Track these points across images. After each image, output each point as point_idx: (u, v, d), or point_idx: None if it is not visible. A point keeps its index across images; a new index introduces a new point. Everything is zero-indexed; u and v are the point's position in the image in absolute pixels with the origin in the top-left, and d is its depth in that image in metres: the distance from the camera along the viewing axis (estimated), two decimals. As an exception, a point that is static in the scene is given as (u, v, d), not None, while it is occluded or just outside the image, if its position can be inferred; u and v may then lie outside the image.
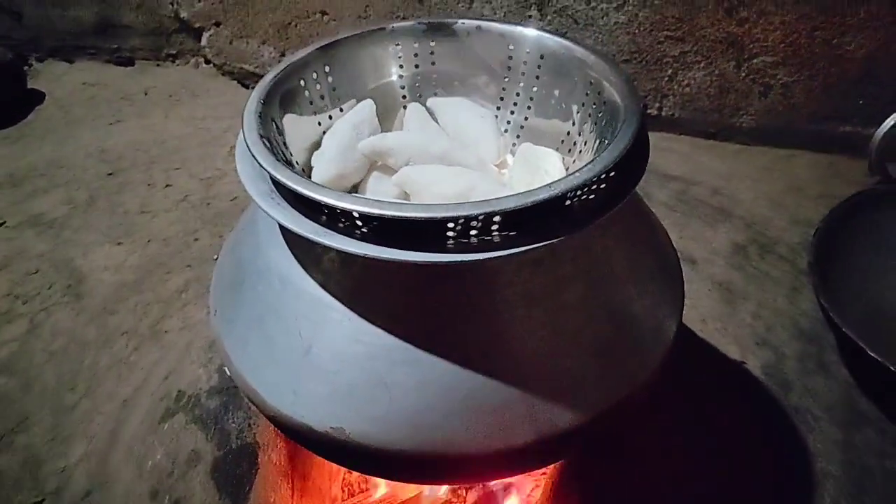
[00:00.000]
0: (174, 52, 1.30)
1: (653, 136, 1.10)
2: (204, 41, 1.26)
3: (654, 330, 0.49)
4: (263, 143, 0.43)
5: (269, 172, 0.41)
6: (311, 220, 0.40)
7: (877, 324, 0.73)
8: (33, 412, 0.71)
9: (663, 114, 1.09)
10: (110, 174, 1.08)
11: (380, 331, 0.42)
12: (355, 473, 0.64)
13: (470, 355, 0.41)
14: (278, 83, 0.50)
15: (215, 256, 0.89)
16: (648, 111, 1.09)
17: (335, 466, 0.62)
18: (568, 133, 0.55)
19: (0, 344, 0.78)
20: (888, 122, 0.78)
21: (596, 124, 0.50)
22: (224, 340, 0.49)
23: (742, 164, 1.05)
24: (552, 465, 0.58)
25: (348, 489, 0.68)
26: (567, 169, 0.53)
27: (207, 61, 1.28)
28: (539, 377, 0.42)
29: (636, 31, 1.03)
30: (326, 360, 0.43)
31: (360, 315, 0.42)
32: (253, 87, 0.49)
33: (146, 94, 1.26)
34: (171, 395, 0.68)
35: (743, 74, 1.03)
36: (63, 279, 0.88)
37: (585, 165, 0.39)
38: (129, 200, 1.02)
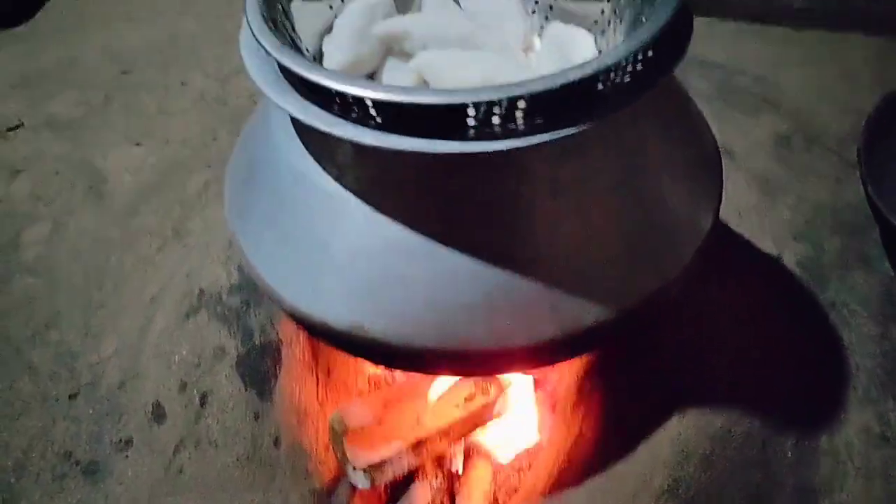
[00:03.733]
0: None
1: (695, 21, 1.04)
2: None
3: (688, 223, 0.46)
4: (268, 25, 0.40)
5: (274, 57, 0.38)
6: (322, 109, 0.38)
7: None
8: (63, 310, 0.72)
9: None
10: (125, 73, 1.05)
11: (397, 225, 0.40)
12: (380, 367, 0.65)
13: (491, 249, 0.39)
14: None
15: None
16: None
17: (359, 360, 0.61)
18: (602, 12, 0.50)
19: (26, 245, 0.79)
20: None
21: (633, 1, 0.46)
22: (240, 238, 0.47)
23: (790, 50, 0.98)
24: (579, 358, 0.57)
25: (374, 382, 0.68)
26: (601, 52, 0.49)
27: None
28: (564, 272, 0.40)
29: None
30: (343, 255, 0.41)
31: (377, 209, 0.40)
32: None
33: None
34: (193, 292, 0.68)
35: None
36: (84, 180, 0.87)
37: (619, 44, 0.35)
38: (145, 100, 0.99)
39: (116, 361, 0.66)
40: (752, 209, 0.75)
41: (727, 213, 0.74)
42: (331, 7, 0.51)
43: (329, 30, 0.50)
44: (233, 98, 0.99)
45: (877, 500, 0.54)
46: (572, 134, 0.35)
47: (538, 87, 0.34)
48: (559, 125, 0.35)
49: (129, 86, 1.02)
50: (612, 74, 0.36)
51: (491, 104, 0.34)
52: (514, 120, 0.35)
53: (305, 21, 0.48)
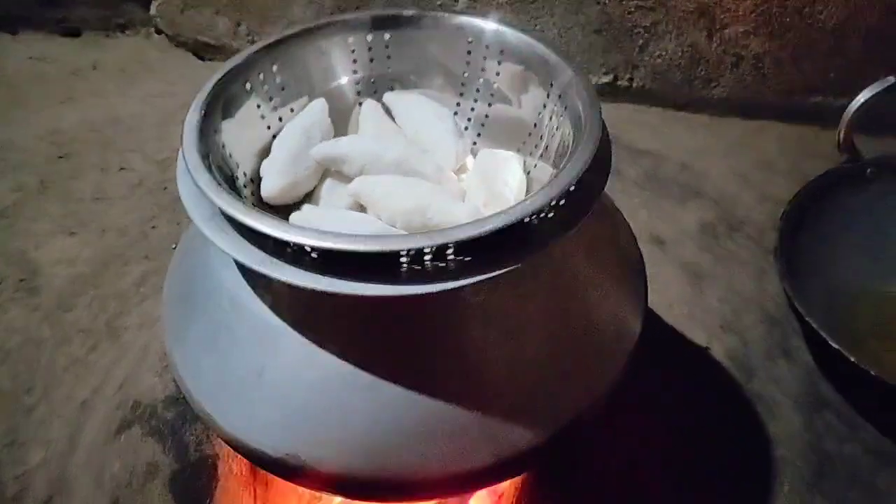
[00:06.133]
0: (123, 21, 1.24)
1: (623, 109, 1.10)
2: (153, 10, 1.20)
3: (617, 336, 0.48)
4: (205, 164, 0.41)
5: (212, 201, 0.39)
6: (257, 246, 0.39)
7: (842, 309, 0.73)
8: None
9: (634, 85, 1.06)
10: (62, 157, 1.03)
11: (332, 357, 0.41)
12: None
13: (424, 380, 0.40)
14: (220, 89, 0.47)
15: (174, 246, 0.86)
16: (619, 83, 1.06)
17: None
18: (529, 134, 0.53)
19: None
20: (857, 100, 0.77)
21: (560, 125, 0.48)
22: (176, 360, 0.47)
23: (712, 138, 1.03)
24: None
25: (312, 499, 0.67)
26: (529, 173, 0.51)
27: (159, 31, 1.22)
28: (497, 399, 0.41)
29: (606, 1, 1.00)
30: (279, 384, 0.42)
31: (312, 341, 0.41)
32: (209, 60, 0.46)
33: (95, 67, 1.20)
34: (127, 404, 0.67)
35: (714, 45, 1.01)
36: (16, 273, 0.84)
37: (541, 189, 0.37)
38: (82, 186, 0.98)
39: (44, 473, 0.64)
40: (682, 300, 0.78)
41: (659, 304, 0.77)
42: (269, 127, 0.52)
43: (268, 151, 0.51)
44: (173, 183, 0.98)
45: None
46: (499, 274, 0.37)
47: (463, 234, 0.36)
48: (487, 263, 0.37)
49: (66, 170, 1.00)
50: (535, 218, 0.38)
51: (419, 250, 0.35)
52: (444, 260, 0.37)
53: (243, 141, 0.49)
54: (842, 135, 0.78)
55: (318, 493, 0.65)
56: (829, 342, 0.62)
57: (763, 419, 0.66)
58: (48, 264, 0.85)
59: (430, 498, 0.46)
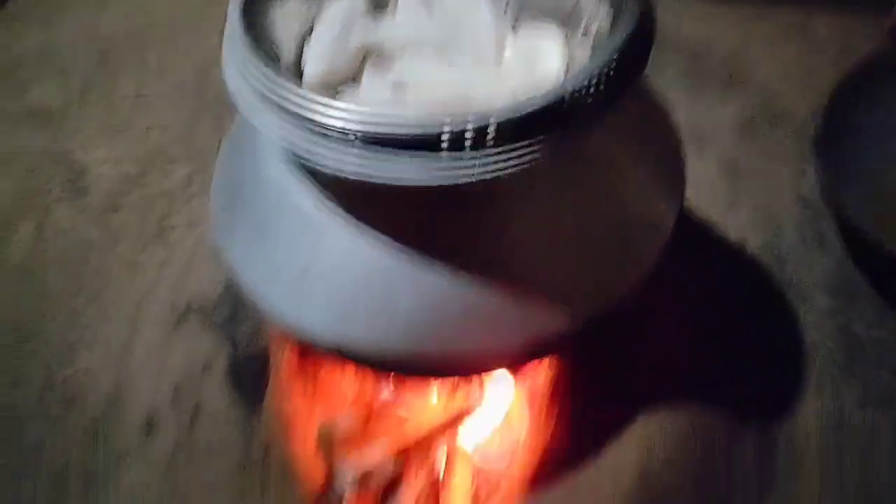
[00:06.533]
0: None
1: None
2: None
3: (652, 226, 0.49)
4: (252, 46, 0.42)
5: (260, 82, 0.39)
6: (301, 130, 0.39)
7: (877, 201, 0.73)
8: (49, 316, 0.73)
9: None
10: (103, 59, 1.04)
11: (375, 247, 0.42)
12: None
13: (463, 269, 0.42)
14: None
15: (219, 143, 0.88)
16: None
17: (346, 368, 0.64)
18: (571, 12, 0.51)
19: (12, 246, 0.80)
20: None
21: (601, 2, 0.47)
22: (226, 254, 0.50)
23: (758, 27, 0.99)
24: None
25: (360, 390, 0.70)
26: (571, 54, 0.50)
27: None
28: (531, 285, 0.43)
29: None
30: (326, 274, 0.44)
31: (356, 231, 0.43)
32: None
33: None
34: (180, 301, 0.71)
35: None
36: (64, 175, 0.87)
37: (578, 70, 0.38)
38: (124, 87, 0.99)
39: (106, 372, 0.68)
40: (719, 195, 0.78)
41: (696, 200, 0.77)
42: (308, 11, 0.52)
43: (307, 36, 0.51)
44: (213, 82, 0.99)
45: (830, 484, 0.59)
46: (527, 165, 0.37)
47: (503, 115, 0.36)
48: (526, 147, 0.38)
49: (108, 71, 1.01)
50: (574, 98, 0.38)
51: (462, 132, 0.36)
52: (484, 144, 0.37)
53: (283, 27, 0.50)
54: (893, 21, 0.75)
55: (364, 381, 0.70)
56: (863, 231, 0.62)
57: (794, 306, 0.67)
58: (95, 164, 0.88)
59: (467, 374, 0.50)
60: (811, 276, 0.70)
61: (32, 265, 0.78)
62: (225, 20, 0.44)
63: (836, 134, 0.72)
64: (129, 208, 0.82)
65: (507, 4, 0.55)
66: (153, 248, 0.77)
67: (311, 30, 0.51)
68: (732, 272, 0.71)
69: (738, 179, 0.80)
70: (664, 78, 0.94)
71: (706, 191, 0.78)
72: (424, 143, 0.37)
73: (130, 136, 0.92)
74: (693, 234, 0.73)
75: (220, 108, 0.94)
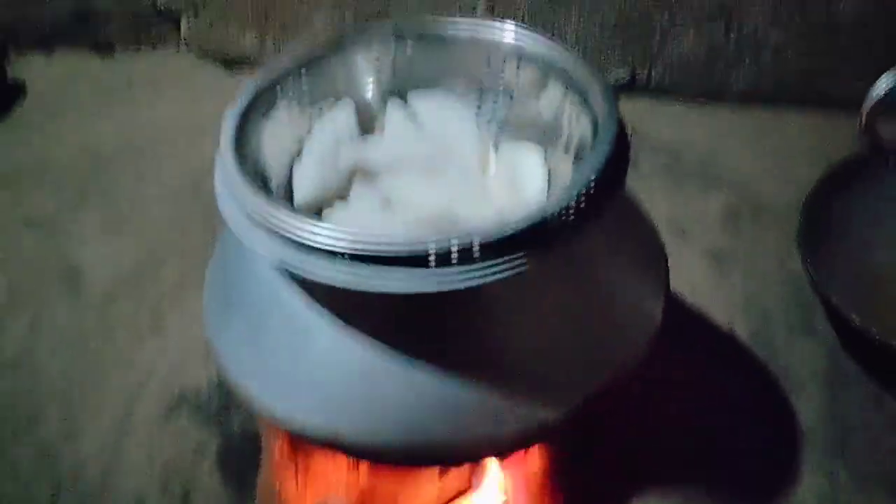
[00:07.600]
0: (154, 38, 1.28)
1: (643, 104, 1.11)
2: (183, 27, 1.24)
3: (639, 316, 0.50)
4: (241, 167, 0.44)
5: (249, 203, 0.41)
6: (292, 247, 0.41)
7: (864, 288, 0.74)
8: (44, 407, 0.74)
9: (653, 80, 1.07)
10: (98, 169, 1.07)
11: (365, 345, 0.43)
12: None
13: (451, 366, 0.43)
14: (253, 96, 0.49)
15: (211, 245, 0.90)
16: (637, 77, 1.07)
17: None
18: (550, 130, 0.54)
19: (6, 342, 0.81)
20: (879, 86, 0.77)
21: (579, 120, 0.50)
22: (217, 349, 0.50)
23: (733, 128, 1.04)
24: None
25: (352, 472, 0.70)
26: (552, 167, 0.53)
27: (189, 47, 1.26)
28: (519, 379, 0.44)
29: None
30: (316, 370, 0.45)
31: (346, 331, 0.44)
32: (237, 73, 0.48)
33: (129, 83, 1.24)
34: (174, 390, 0.72)
35: (733, 38, 1.01)
36: (60, 275, 0.89)
37: (560, 191, 0.39)
38: (119, 194, 1.02)
39: (97, 460, 0.68)
40: (705, 284, 0.79)
41: (681, 288, 0.78)
42: (297, 129, 0.54)
43: (296, 156, 0.53)
44: (206, 190, 1.01)
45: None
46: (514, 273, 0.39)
47: (488, 235, 0.38)
48: (511, 260, 0.39)
49: (103, 180, 1.04)
50: (557, 216, 0.39)
51: (448, 250, 0.38)
52: (470, 258, 0.38)
53: (273, 147, 0.52)
54: (863, 121, 0.79)
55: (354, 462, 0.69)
56: (852, 318, 0.63)
57: (787, 393, 0.68)
58: (91, 266, 0.90)
59: (457, 463, 0.50)
60: (802, 365, 0.71)
61: (33, 359, 0.79)
62: (218, 131, 0.47)
63: (819, 224, 0.74)
64: (125, 307, 0.84)
65: (488, 122, 0.58)
66: (148, 341, 0.79)
67: (300, 150, 0.53)
68: (723, 360, 0.72)
69: (723, 268, 0.82)
70: (643, 177, 0.98)
71: (693, 279, 0.80)
72: (411, 261, 0.38)
73: (125, 237, 0.94)
74: (682, 323, 0.74)
75: (213, 210, 0.96)
